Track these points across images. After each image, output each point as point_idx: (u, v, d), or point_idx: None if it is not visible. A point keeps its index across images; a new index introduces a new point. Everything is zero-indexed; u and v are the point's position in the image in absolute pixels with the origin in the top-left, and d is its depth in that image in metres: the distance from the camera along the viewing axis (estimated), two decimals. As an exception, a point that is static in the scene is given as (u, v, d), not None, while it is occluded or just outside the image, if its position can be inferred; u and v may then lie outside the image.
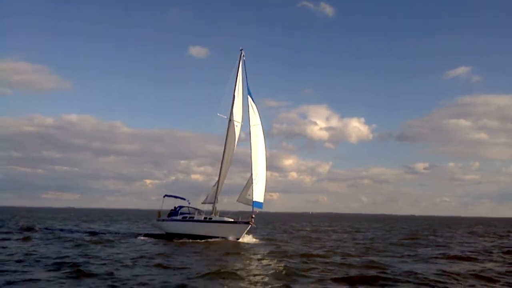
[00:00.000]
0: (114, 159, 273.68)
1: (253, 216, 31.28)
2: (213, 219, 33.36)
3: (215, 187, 37.67)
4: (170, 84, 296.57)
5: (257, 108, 35.08)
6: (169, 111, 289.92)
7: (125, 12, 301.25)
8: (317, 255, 23.87)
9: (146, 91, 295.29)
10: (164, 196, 38.36)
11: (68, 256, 21.11)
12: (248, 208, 34.39)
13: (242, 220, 32.18)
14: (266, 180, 33.54)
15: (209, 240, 32.10)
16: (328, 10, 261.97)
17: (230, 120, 36.53)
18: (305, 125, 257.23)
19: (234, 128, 36.76)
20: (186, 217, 35.17)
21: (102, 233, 38.88)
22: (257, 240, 33.09)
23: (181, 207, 36.87)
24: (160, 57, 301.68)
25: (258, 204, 32.47)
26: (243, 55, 36.73)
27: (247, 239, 32.40)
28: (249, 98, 34.91)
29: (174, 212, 36.65)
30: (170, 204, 38.94)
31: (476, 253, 27.35)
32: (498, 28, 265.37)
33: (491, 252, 28.05)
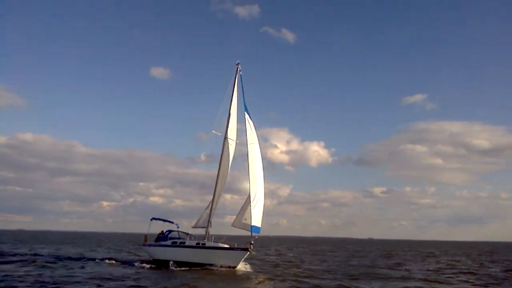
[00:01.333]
0: (71, 180, 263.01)
1: (252, 242, 28.69)
2: (207, 244, 30.63)
3: (208, 209, 35.11)
4: (131, 104, 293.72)
5: (254, 125, 32.92)
6: (129, 132, 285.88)
7: (85, 31, 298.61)
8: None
9: (106, 111, 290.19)
10: (151, 219, 35.64)
11: None
12: (243, 233, 32.10)
13: (238, 246, 29.58)
14: (264, 203, 31.09)
15: (203, 268, 29.40)
16: (290, 36, 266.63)
17: (226, 138, 34.19)
18: (266, 148, 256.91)
19: (229, 147, 34.45)
20: (177, 242, 32.37)
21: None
22: (249, 266, 30.35)
23: (170, 231, 34.12)
24: (121, 77, 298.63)
25: (256, 229, 29.94)
26: (240, 70, 34.65)
27: (240, 265, 29.77)
28: (246, 115, 32.71)
29: (162, 236, 33.85)
30: (157, 228, 36.35)
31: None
32: (452, 57, 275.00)
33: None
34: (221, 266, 29.08)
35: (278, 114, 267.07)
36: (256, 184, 30.62)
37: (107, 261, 34.10)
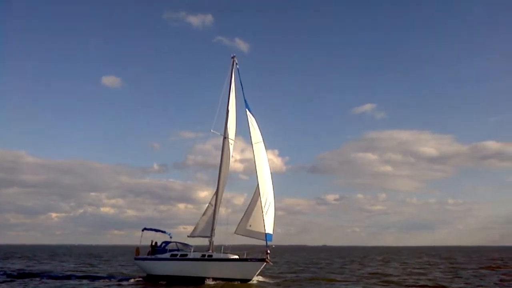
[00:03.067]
0: (17, 191, 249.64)
1: (268, 251, 26.01)
2: (214, 256, 27.65)
3: (205, 216, 32.11)
4: (81, 114, 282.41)
5: (257, 122, 30.25)
6: (80, 142, 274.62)
7: (37, 40, 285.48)
8: None
9: (56, 120, 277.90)
10: (143, 230, 32.18)
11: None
12: (246, 242, 29.58)
13: (251, 257, 26.89)
14: (275, 208, 28.51)
15: (211, 283, 26.49)
16: (243, 46, 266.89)
17: (225, 137, 31.32)
18: (220, 157, 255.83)
19: (229, 147, 31.62)
20: (177, 254, 29.17)
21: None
22: (266, 278, 27.86)
23: (167, 242, 30.80)
24: (72, 85, 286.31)
25: (270, 237, 27.32)
26: (236, 63, 31.88)
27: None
28: (247, 112, 30.00)
29: (159, 248, 30.48)
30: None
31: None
32: (401, 68, 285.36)
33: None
34: (234, 280, 26.31)
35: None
36: (266, 188, 28.07)
37: (101, 281, 30.27)
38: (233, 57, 32.21)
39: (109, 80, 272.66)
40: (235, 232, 29.74)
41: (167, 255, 29.50)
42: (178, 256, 28.92)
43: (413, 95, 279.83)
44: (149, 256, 30.42)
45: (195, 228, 32.16)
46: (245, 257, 27.28)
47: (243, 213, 30.34)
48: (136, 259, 31.58)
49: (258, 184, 27.69)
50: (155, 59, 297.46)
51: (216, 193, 30.63)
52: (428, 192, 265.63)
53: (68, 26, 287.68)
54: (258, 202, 28.96)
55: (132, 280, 28.92)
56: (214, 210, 30.22)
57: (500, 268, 42.27)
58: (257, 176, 27.90)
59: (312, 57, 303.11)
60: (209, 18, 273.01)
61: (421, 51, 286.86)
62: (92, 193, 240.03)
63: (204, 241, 32.19)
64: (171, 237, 31.97)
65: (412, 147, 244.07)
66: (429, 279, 29.91)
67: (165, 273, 28.71)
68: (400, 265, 48.29)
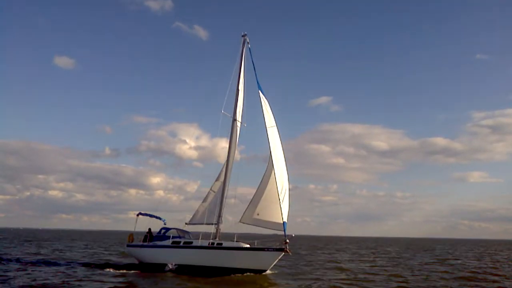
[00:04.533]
0: None
1: (287, 240, 24.45)
2: (224, 244, 25.73)
3: (205, 203, 30.13)
4: (29, 93, 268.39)
5: (270, 105, 28.54)
6: (27, 122, 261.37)
7: None
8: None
9: (2, 100, 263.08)
10: (137, 215, 29.77)
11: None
12: (248, 230, 27.98)
13: (267, 246, 25.23)
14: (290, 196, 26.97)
15: (222, 273, 24.63)
16: (202, 33, 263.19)
17: (234, 119, 29.39)
18: (174, 143, 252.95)
19: (237, 130, 29.75)
20: (179, 242, 27.01)
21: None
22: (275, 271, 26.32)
23: (167, 229, 28.55)
24: (22, 64, 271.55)
25: (285, 226, 25.75)
26: (248, 41, 29.97)
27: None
28: (260, 94, 28.22)
29: (158, 236, 28.16)
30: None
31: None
32: (357, 64, 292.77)
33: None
34: (247, 271, 24.56)
35: (188, 110, 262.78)
36: (282, 175, 26.44)
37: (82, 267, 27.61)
38: (244, 36, 30.29)
39: (62, 61, 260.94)
40: (240, 221, 27.94)
41: (167, 242, 27.26)
42: (181, 244, 26.77)
43: (367, 90, 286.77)
44: (146, 243, 28.04)
45: (194, 215, 30.13)
46: (255, 246, 25.61)
47: (249, 202, 28.73)
48: (129, 246, 29.09)
49: (274, 171, 26.03)
50: (111, 42, 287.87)
51: (225, 178, 28.69)
52: (377, 185, 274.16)
53: (20, 4, 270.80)
54: (269, 190, 27.40)
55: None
56: (222, 196, 28.28)
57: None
58: (273, 162, 26.24)
59: (271, 48, 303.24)
60: (168, 4, 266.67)
61: (377, 47, 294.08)
62: (40, 176, 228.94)
63: (200, 229, 30.36)
64: (165, 224, 29.77)
65: (364, 140, 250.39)
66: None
67: (165, 261, 26.48)
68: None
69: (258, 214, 27.77)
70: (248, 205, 28.30)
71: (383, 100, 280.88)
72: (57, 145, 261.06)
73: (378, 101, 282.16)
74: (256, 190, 28.40)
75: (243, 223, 28.07)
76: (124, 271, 25.42)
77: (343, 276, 25.49)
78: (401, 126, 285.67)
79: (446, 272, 28.86)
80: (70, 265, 28.35)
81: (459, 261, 40.72)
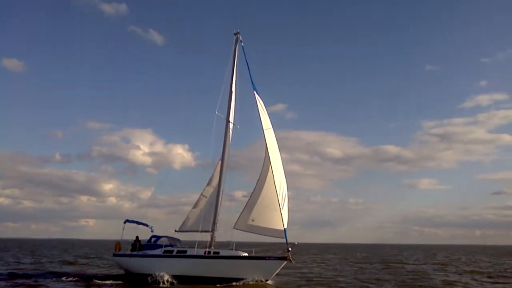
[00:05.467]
0: None
1: (290, 248, 23.44)
2: (221, 253, 24.45)
3: (196, 208, 28.72)
4: None
5: (265, 106, 27.49)
6: None
7: None
8: None
9: None
10: (125, 222, 28.00)
11: None
12: (242, 238, 26.81)
13: (269, 254, 24.14)
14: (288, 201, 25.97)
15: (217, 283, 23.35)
16: (158, 37, 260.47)
17: (228, 121, 28.15)
18: (127, 149, 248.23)
19: (230, 132, 28.52)
20: (172, 251, 25.52)
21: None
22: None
23: (157, 237, 26.96)
24: None
25: (286, 233, 24.73)
26: (241, 40, 28.77)
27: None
28: (256, 94, 27.13)
29: (148, 244, 26.55)
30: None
31: None
32: (312, 72, 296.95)
33: None
34: (249, 280, 23.39)
35: (142, 115, 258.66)
36: (281, 179, 25.43)
37: (63, 278, 25.63)
38: (236, 34, 29.06)
39: (11, 63, 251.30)
40: (234, 227, 26.73)
41: (159, 251, 25.70)
42: (174, 253, 25.29)
43: (322, 98, 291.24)
44: (135, 253, 26.37)
45: (184, 222, 28.61)
46: (253, 254, 24.49)
47: (243, 207, 27.56)
48: (116, 255, 27.31)
49: (273, 175, 24.94)
50: (63, 45, 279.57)
51: (219, 183, 27.36)
52: (331, 191, 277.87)
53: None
54: (264, 195, 26.37)
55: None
56: (216, 201, 26.95)
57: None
58: (271, 166, 25.19)
59: (227, 54, 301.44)
60: (123, 7, 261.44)
61: (332, 56, 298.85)
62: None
63: (191, 236, 29.04)
64: (152, 231, 28.20)
65: (318, 147, 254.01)
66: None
67: (158, 272, 24.89)
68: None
69: (253, 220, 26.64)
70: (242, 211, 27.12)
71: (337, 108, 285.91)
72: (5, 150, 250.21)
73: (332, 109, 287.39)
74: (251, 195, 27.28)
75: (237, 229, 26.88)
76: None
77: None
78: (354, 134, 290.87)
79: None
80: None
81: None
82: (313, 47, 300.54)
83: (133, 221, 28.19)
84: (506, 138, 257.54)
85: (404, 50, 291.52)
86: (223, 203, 27.63)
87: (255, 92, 27.16)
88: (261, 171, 27.02)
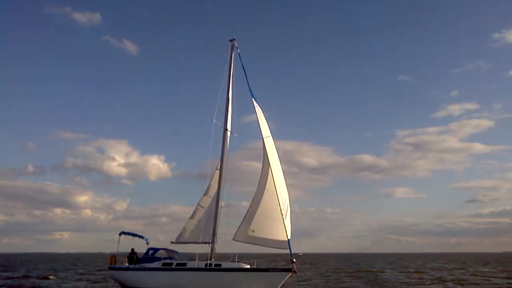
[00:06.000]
0: None
1: (294, 260, 22.92)
2: (223, 266, 23.81)
3: (193, 219, 28.04)
4: None
5: (263, 113, 27.06)
6: None
7: None
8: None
9: None
10: (120, 234, 27.26)
11: None
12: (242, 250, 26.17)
13: (271, 266, 23.62)
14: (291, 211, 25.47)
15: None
16: (132, 47, 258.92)
17: (226, 129, 27.62)
18: (102, 160, 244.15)
19: (227, 140, 28.00)
20: (171, 264, 24.76)
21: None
22: None
23: (155, 249, 26.16)
24: None
25: (289, 243, 24.17)
26: (237, 47, 28.34)
27: None
28: (254, 102, 26.70)
29: (146, 257, 25.73)
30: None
31: None
32: (287, 79, 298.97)
33: None
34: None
35: (117, 125, 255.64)
36: (283, 189, 24.97)
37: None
38: (232, 40, 28.62)
39: None
40: (233, 239, 26.02)
41: (157, 264, 24.91)
42: (173, 266, 24.53)
43: (297, 107, 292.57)
44: (132, 266, 25.53)
45: (181, 233, 27.85)
46: (256, 266, 23.92)
47: (243, 217, 26.96)
48: (112, 268, 26.40)
49: (274, 184, 24.43)
50: (35, 54, 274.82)
51: (218, 192, 26.79)
52: (308, 201, 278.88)
53: None
54: (265, 204, 25.79)
55: None
56: (216, 211, 26.32)
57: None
58: (272, 175, 24.70)
59: (202, 60, 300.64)
60: (96, 17, 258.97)
61: (298, 68, 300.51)
62: None
63: (186, 249, 28.40)
64: (148, 243, 27.46)
65: (295, 157, 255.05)
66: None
67: (156, 286, 24.20)
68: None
69: (253, 231, 25.99)
70: (242, 221, 26.49)
71: (312, 118, 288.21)
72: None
73: (308, 119, 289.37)
74: (250, 205, 26.68)
75: (237, 240, 26.26)
76: None
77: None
78: (329, 143, 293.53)
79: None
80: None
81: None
82: (286, 57, 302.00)
83: (128, 233, 27.41)
84: (478, 147, 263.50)
85: (377, 60, 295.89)
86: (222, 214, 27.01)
87: (253, 99, 26.72)
88: (260, 180, 26.51)
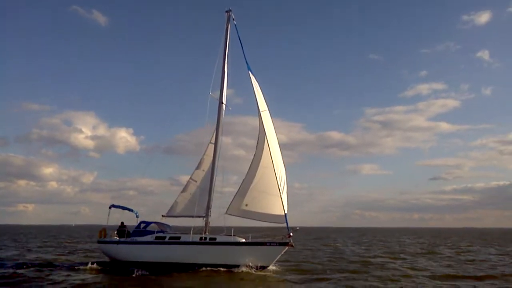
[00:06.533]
0: None
1: (291, 234, 22.70)
2: (218, 239, 23.41)
3: (186, 192, 27.51)
4: None
5: (260, 87, 26.51)
6: None
7: None
8: None
9: None
10: (110, 207, 26.45)
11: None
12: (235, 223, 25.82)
13: (269, 240, 23.29)
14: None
15: (213, 269, 22.38)
16: (101, 19, 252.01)
17: (221, 102, 27.00)
18: (69, 132, 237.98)
19: (223, 113, 27.40)
20: (164, 237, 24.23)
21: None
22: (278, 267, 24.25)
23: (147, 223, 25.53)
24: None
25: (286, 218, 23.92)
26: (233, 18, 27.57)
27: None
28: (250, 75, 26.12)
29: (137, 230, 25.09)
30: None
31: None
32: (256, 56, 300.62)
33: None
34: (248, 267, 22.49)
35: (84, 97, 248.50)
36: (279, 163, 24.61)
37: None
38: (228, 11, 27.83)
39: None
40: (226, 213, 25.62)
41: (149, 237, 24.34)
42: (166, 239, 24.02)
43: (268, 83, 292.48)
44: (123, 239, 24.90)
45: (172, 207, 27.30)
46: (250, 240, 23.63)
47: (236, 191, 26.59)
48: (101, 242, 25.70)
49: (272, 159, 24.03)
50: (1, 23, 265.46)
51: (213, 166, 26.24)
52: None
53: None
54: (259, 178, 25.48)
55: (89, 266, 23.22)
56: (210, 185, 25.85)
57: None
58: (270, 149, 24.31)
59: (172, 35, 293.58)
60: None
61: (279, 43, 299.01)
62: None
63: (178, 222, 27.90)
64: (137, 216, 26.84)
65: None
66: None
67: (148, 259, 23.64)
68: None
69: (246, 205, 25.69)
70: (235, 195, 26.13)
71: (282, 94, 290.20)
72: None
73: (278, 95, 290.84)
74: (244, 179, 26.33)
75: (230, 214, 25.89)
76: None
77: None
78: (299, 120, 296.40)
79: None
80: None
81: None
82: (259, 33, 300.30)
83: (118, 206, 26.71)
84: (444, 126, 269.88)
85: (349, 38, 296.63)
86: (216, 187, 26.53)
87: (250, 72, 26.15)
88: (254, 154, 26.11)
